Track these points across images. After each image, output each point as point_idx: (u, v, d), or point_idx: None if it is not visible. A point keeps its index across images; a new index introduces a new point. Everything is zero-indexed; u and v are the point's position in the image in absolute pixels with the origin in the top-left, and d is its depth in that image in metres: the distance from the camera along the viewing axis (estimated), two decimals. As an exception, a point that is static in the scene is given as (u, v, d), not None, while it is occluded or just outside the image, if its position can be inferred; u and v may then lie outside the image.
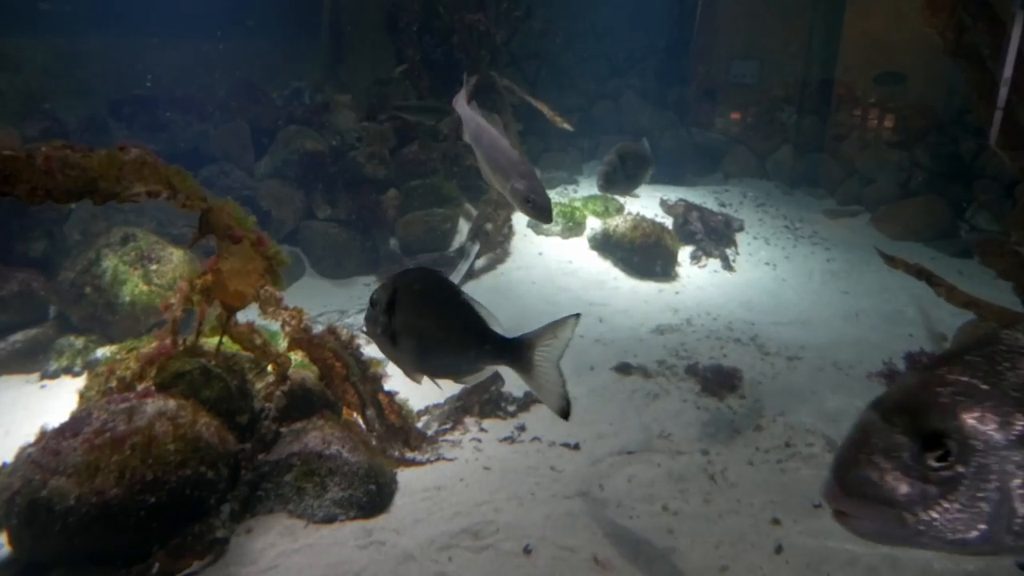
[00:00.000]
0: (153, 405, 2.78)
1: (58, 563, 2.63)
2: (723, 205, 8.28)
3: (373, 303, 2.32)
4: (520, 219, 7.12)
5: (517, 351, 2.21)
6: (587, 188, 8.59)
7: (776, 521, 3.09)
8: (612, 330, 5.38)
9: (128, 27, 7.79)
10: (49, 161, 2.23)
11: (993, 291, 4.37)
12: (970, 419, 1.05)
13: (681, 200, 7.67)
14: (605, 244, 6.77)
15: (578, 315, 2.17)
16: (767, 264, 6.97)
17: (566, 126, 7.07)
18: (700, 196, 8.40)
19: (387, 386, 3.60)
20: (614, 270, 6.57)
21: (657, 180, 9.09)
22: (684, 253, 6.84)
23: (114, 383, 3.09)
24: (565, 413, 2.22)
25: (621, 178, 4.50)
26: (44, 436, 2.71)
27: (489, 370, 2.37)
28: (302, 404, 3.33)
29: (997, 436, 1.04)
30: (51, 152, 2.28)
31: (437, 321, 2.29)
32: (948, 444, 1.05)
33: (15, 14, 7.47)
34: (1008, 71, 3.86)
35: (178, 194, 2.64)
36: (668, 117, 10.65)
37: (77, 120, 6.90)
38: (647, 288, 6.30)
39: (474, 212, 6.99)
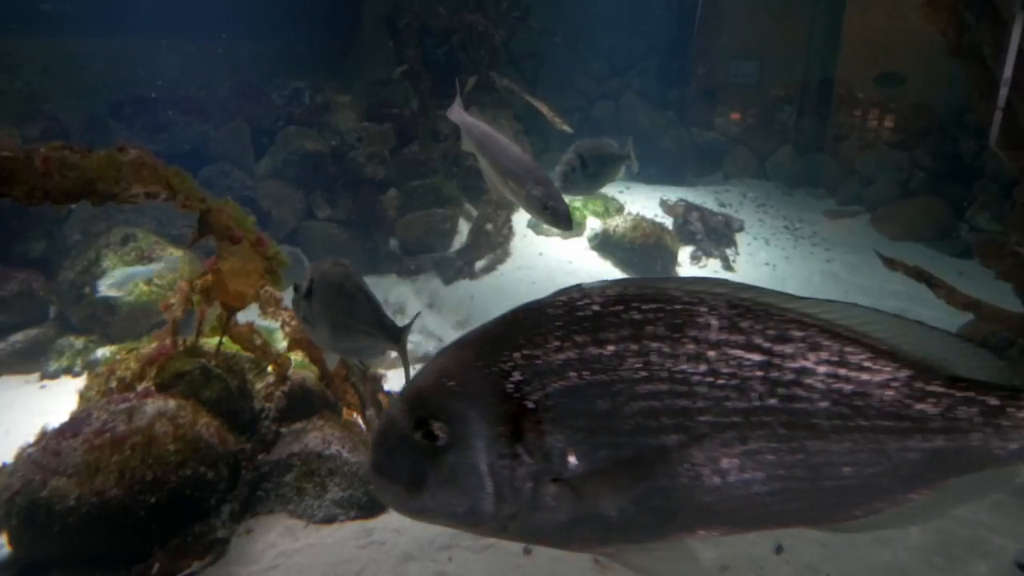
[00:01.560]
0: (153, 405, 2.78)
1: (58, 563, 2.62)
2: (723, 205, 8.28)
3: (296, 289, 2.58)
4: (520, 219, 7.12)
5: (403, 337, 2.55)
6: (587, 188, 8.59)
7: (776, 521, 3.09)
8: (612, 330, 5.38)
9: (128, 28, 7.79)
10: (47, 162, 2.23)
11: (994, 291, 4.36)
12: (450, 399, 1.11)
13: (681, 200, 7.67)
14: (605, 244, 6.77)
15: (419, 312, 2.55)
16: (767, 264, 6.97)
17: (566, 127, 7.07)
18: (700, 196, 8.40)
19: (387, 386, 3.60)
20: (614, 270, 6.57)
21: (657, 180, 9.11)
22: (684, 253, 6.84)
23: (114, 383, 3.09)
24: None
25: (581, 178, 4.29)
26: (44, 436, 2.71)
27: (390, 353, 2.70)
28: (302, 404, 3.33)
29: (472, 414, 1.09)
30: (49, 153, 2.28)
31: (345, 309, 2.56)
32: (433, 425, 1.10)
33: (15, 14, 7.47)
34: (1008, 71, 3.85)
35: (177, 195, 2.64)
36: (668, 117, 10.64)
37: (77, 121, 6.90)
38: (647, 288, 6.30)
39: (474, 212, 6.99)
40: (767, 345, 1.09)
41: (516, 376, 1.09)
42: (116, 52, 7.79)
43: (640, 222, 6.67)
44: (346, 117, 7.27)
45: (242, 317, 3.25)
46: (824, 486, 1.11)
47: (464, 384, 1.11)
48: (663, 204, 7.72)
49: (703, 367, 1.08)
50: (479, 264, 6.50)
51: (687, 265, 6.75)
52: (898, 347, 1.12)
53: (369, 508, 2.99)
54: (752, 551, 2.88)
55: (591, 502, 1.10)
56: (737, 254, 7.06)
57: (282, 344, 3.42)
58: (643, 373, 1.08)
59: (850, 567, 2.80)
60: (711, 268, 6.75)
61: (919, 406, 1.09)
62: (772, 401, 1.08)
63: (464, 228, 6.93)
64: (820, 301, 1.12)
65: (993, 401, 1.09)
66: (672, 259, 6.61)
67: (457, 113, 3.61)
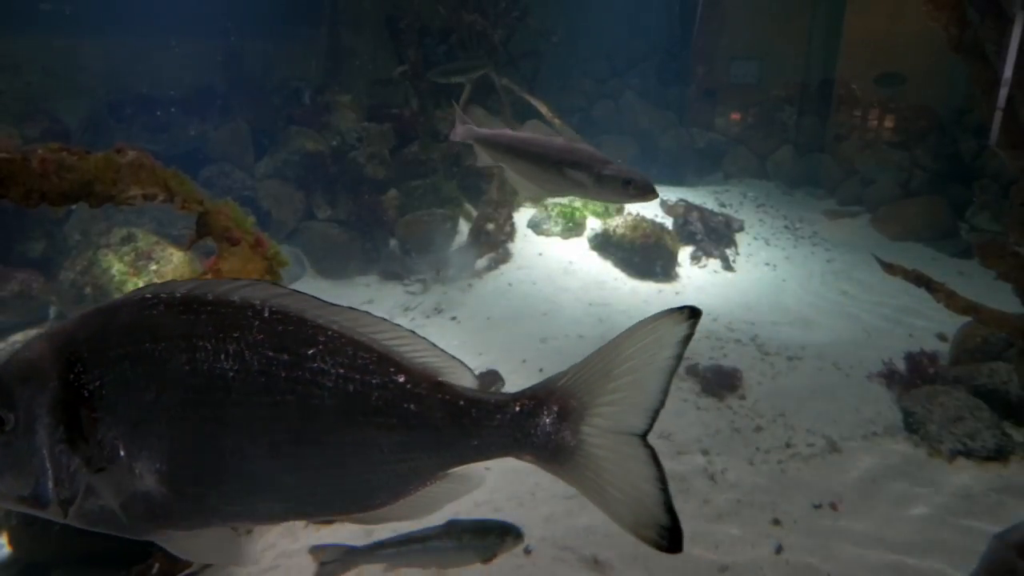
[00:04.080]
0: (152, 406, 2.77)
1: (58, 563, 2.63)
2: (723, 205, 8.28)
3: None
4: (521, 219, 7.12)
5: None
6: (587, 188, 8.58)
7: (776, 521, 3.09)
8: (612, 330, 5.36)
9: (128, 28, 7.79)
10: (45, 164, 2.23)
11: (995, 291, 4.36)
12: (20, 387, 1.18)
13: (681, 200, 7.67)
14: (605, 244, 6.77)
15: None
16: (767, 264, 6.96)
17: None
18: (700, 196, 8.40)
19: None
20: (614, 270, 6.57)
21: (657, 180, 9.09)
22: (684, 253, 6.84)
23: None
24: None
25: None
26: (43, 437, 2.70)
27: None
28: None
29: (37, 401, 1.17)
30: (47, 154, 2.27)
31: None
32: (1, 411, 1.18)
33: (15, 14, 7.47)
34: (1008, 71, 3.85)
35: (175, 197, 2.63)
36: (668, 117, 10.64)
37: (77, 121, 6.90)
38: (647, 288, 6.30)
39: (474, 212, 6.99)
40: (294, 347, 1.21)
41: (79, 367, 1.18)
42: (116, 52, 7.79)
43: (640, 222, 6.67)
44: (346, 117, 7.27)
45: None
46: (337, 477, 1.26)
47: (35, 373, 1.18)
48: (663, 204, 7.72)
49: (239, 365, 1.19)
50: (479, 264, 6.50)
51: (687, 265, 6.75)
52: (402, 355, 1.26)
53: (369, 508, 2.99)
54: (752, 551, 2.88)
55: (137, 489, 1.20)
56: (737, 254, 7.06)
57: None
58: (187, 368, 1.18)
59: (850, 567, 2.80)
60: (711, 268, 6.75)
61: (406, 406, 1.24)
62: (292, 397, 1.21)
63: (464, 228, 6.93)
64: (345, 309, 1.25)
65: (461, 403, 1.26)
66: (672, 259, 6.60)
67: (467, 131, 3.26)
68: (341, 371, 1.22)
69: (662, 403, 1.25)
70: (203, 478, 1.23)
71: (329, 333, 1.23)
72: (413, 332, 1.28)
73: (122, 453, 1.19)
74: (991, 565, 1.28)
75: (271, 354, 1.20)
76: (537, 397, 1.28)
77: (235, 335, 1.20)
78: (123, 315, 1.21)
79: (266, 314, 1.22)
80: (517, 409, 1.27)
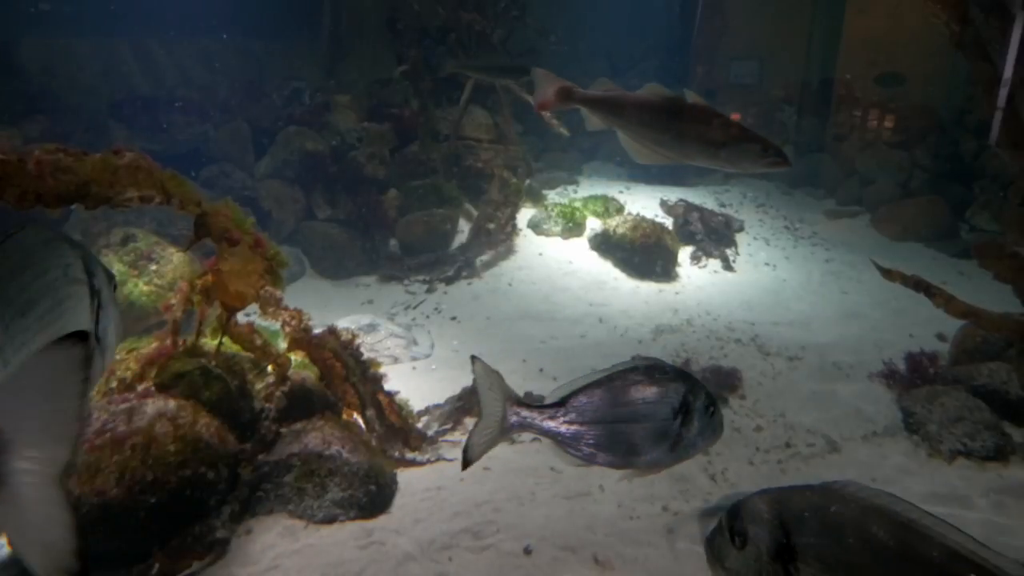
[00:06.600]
0: (153, 406, 2.78)
1: (58, 564, 2.62)
2: (723, 205, 8.29)
3: None
4: (522, 219, 7.12)
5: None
6: (587, 188, 8.59)
7: (776, 521, 3.08)
8: (612, 330, 5.38)
9: (128, 28, 7.78)
10: (40, 165, 2.21)
11: (995, 291, 4.36)
12: None
13: (681, 200, 7.67)
14: (605, 244, 6.77)
15: None
16: (767, 264, 6.96)
17: (562, 131, 7.09)
18: (700, 196, 8.40)
19: (387, 386, 3.60)
20: (614, 270, 6.56)
21: (657, 180, 9.11)
22: (684, 253, 6.84)
23: (114, 384, 3.09)
24: None
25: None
26: (44, 437, 2.70)
27: None
28: (302, 404, 3.33)
29: None
30: (43, 156, 2.25)
31: None
32: None
33: (15, 14, 7.47)
34: (1008, 71, 3.85)
35: (172, 198, 2.62)
36: (668, 117, 10.63)
37: (77, 121, 6.90)
38: (647, 288, 6.30)
39: (474, 212, 6.99)
40: None
41: None
42: (116, 52, 7.79)
43: (640, 222, 6.67)
44: (346, 117, 7.27)
45: (242, 318, 3.25)
46: None
47: None
48: (663, 204, 7.72)
49: None
50: (479, 264, 6.50)
51: (687, 265, 6.75)
52: None
53: (369, 508, 2.99)
54: (752, 551, 2.88)
55: None
56: (737, 254, 7.06)
57: (282, 344, 3.42)
58: None
59: (850, 567, 2.80)
60: (711, 268, 6.75)
61: None
62: None
63: (464, 228, 6.93)
64: None
65: None
66: (672, 259, 6.60)
67: (569, 93, 3.09)
68: None
69: (81, 431, 1.24)
70: None
71: None
72: None
73: None
74: (710, 533, 1.35)
75: None
76: None
77: None
78: None
79: None
80: None
